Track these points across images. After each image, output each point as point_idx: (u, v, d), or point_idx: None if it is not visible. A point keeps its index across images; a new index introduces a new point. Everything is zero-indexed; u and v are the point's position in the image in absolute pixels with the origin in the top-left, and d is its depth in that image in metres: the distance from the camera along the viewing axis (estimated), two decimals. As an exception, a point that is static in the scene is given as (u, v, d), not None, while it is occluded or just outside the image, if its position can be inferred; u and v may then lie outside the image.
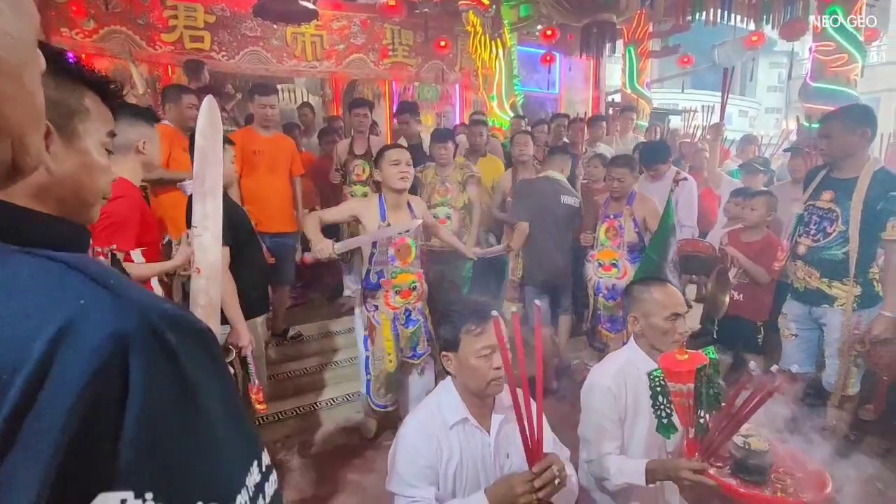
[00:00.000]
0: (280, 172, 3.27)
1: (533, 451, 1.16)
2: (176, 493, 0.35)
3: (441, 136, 3.61)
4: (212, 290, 0.89)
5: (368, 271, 2.51)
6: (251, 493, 0.41)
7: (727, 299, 2.88)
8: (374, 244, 2.46)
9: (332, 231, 3.05)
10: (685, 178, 3.64)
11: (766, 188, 3.16)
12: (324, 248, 2.24)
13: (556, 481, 1.13)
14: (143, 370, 0.34)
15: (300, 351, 3.49)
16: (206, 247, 0.90)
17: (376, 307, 2.53)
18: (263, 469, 0.45)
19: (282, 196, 3.28)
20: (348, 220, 2.69)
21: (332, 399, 3.21)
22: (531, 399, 1.19)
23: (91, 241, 0.58)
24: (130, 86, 3.72)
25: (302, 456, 2.72)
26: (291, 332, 3.49)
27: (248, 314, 2.15)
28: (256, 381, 1.91)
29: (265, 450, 0.46)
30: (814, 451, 2.45)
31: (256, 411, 1.89)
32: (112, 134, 0.71)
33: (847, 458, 2.45)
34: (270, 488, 0.45)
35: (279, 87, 7.41)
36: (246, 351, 1.96)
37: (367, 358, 2.60)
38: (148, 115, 1.89)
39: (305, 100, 6.67)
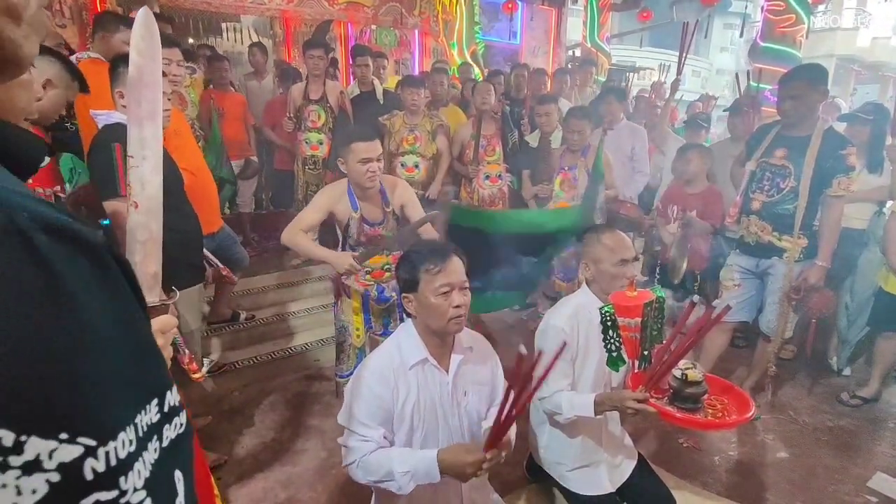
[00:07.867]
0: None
1: (495, 436, 1.20)
2: (24, 419, 0.30)
3: (413, 82, 3.48)
4: (153, 225, 0.82)
5: (341, 248, 2.31)
6: (141, 433, 0.37)
7: (685, 264, 3.00)
8: (345, 231, 2.22)
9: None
10: (611, 128, 3.72)
11: (702, 144, 3.32)
12: (350, 266, 2.08)
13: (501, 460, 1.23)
14: None
15: (257, 302, 3.42)
16: (145, 179, 0.82)
17: (346, 282, 2.33)
18: (166, 409, 0.41)
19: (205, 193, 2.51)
20: (327, 217, 2.24)
21: (290, 348, 3.21)
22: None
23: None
24: (62, 13, 3.30)
25: (261, 403, 2.72)
26: (244, 316, 3.21)
27: (177, 286, 1.89)
28: (187, 352, 1.80)
29: (173, 390, 0.42)
30: (741, 383, 2.70)
31: (194, 381, 1.81)
32: None
33: (766, 389, 2.76)
34: (172, 432, 0.41)
35: (223, 25, 6.84)
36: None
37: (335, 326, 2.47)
38: None
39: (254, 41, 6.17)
